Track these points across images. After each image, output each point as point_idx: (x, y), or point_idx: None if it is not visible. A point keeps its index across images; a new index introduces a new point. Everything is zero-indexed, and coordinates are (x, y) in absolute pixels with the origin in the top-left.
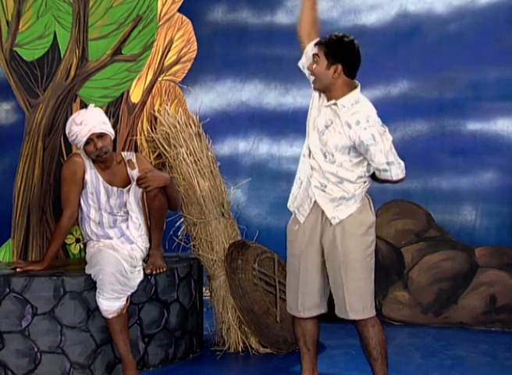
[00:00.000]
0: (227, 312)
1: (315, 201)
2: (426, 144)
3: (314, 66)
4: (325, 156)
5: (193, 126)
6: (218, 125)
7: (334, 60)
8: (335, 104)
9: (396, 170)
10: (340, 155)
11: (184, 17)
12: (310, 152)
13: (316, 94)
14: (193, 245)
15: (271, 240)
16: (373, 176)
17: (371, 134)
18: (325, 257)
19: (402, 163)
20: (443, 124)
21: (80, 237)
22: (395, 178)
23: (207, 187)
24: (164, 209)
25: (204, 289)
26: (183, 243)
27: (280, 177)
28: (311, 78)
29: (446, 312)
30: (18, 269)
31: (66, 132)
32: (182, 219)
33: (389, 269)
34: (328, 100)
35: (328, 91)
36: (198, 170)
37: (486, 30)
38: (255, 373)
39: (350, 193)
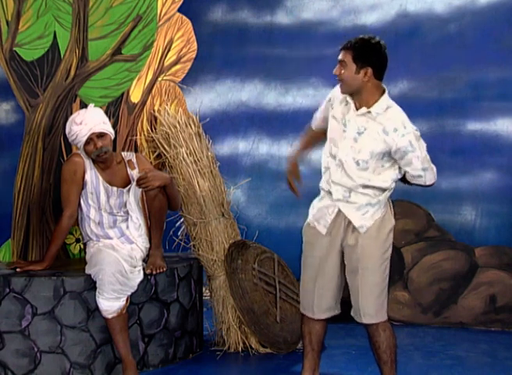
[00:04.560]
0: (227, 312)
1: (338, 211)
2: (426, 144)
3: (342, 71)
4: (358, 164)
5: (193, 126)
6: (218, 125)
7: (363, 64)
8: (369, 112)
9: (430, 176)
10: (374, 162)
11: (184, 17)
12: (327, 168)
13: (334, 104)
14: (193, 245)
15: (271, 240)
16: (403, 179)
17: (408, 141)
18: (345, 260)
19: (434, 168)
20: (443, 124)
21: (80, 237)
22: (428, 183)
23: (207, 187)
24: (164, 209)
25: (204, 289)
26: (183, 243)
27: (280, 177)
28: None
29: (445, 312)
30: (18, 269)
31: (66, 132)
32: (182, 219)
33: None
34: (358, 106)
35: (357, 95)
36: (198, 170)
37: (486, 30)
38: (255, 373)
39: (376, 199)
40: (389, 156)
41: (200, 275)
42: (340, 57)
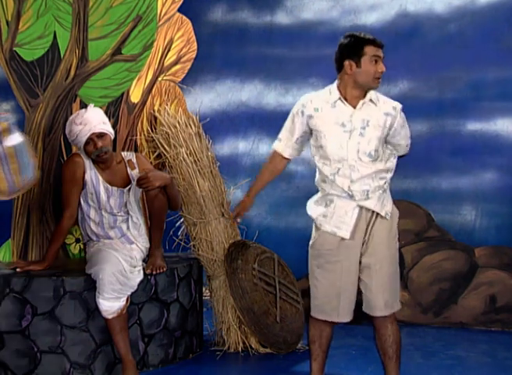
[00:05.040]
0: (227, 312)
1: (358, 212)
2: (426, 144)
3: (384, 67)
4: (371, 156)
5: (193, 127)
6: (218, 125)
7: None
8: (370, 100)
9: (409, 143)
10: (381, 148)
11: (184, 17)
12: (335, 173)
13: (318, 113)
14: (193, 245)
15: (271, 240)
16: None
17: (403, 116)
18: (362, 252)
19: None
20: (443, 124)
21: (80, 237)
22: (408, 151)
23: (207, 187)
24: (164, 209)
25: (203, 289)
26: (183, 243)
27: (280, 177)
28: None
29: (445, 312)
30: (18, 269)
31: (66, 132)
32: (182, 219)
33: None
34: (356, 102)
35: (368, 89)
36: (198, 170)
37: (486, 29)
38: (255, 373)
39: (385, 181)
40: (385, 140)
41: (200, 275)
42: (381, 54)
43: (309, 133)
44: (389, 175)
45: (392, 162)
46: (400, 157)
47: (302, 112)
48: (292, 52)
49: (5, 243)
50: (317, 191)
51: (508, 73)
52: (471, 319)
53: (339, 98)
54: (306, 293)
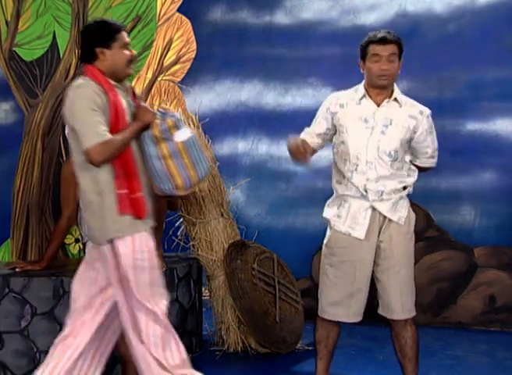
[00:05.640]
0: (226, 312)
1: (371, 212)
2: None
3: (393, 64)
4: (390, 155)
5: (192, 126)
6: (217, 125)
7: (400, 57)
8: (395, 99)
9: (436, 156)
10: (402, 150)
11: (183, 17)
12: (353, 170)
13: (342, 110)
14: (193, 245)
15: (270, 240)
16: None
17: (431, 122)
18: (378, 259)
19: None
20: (443, 124)
21: (80, 237)
22: (435, 164)
23: (206, 187)
24: (163, 209)
25: (203, 289)
26: (182, 243)
27: (279, 177)
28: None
29: (445, 312)
30: (17, 269)
31: (66, 132)
32: (181, 219)
33: None
34: (380, 99)
35: (389, 87)
36: None
37: (485, 29)
38: (254, 373)
39: (405, 191)
40: (409, 145)
41: (200, 275)
42: (390, 51)
43: (333, 130)
44: (410, 180)
45: (413, 176)
46: (422, 169)
47: (328, 109)
48: (291, 52)
49: (5, 243)
50: (316, 192)
51: (507, 73)
52: (470, 319)
53: (364, 95)
54: (305, 293)
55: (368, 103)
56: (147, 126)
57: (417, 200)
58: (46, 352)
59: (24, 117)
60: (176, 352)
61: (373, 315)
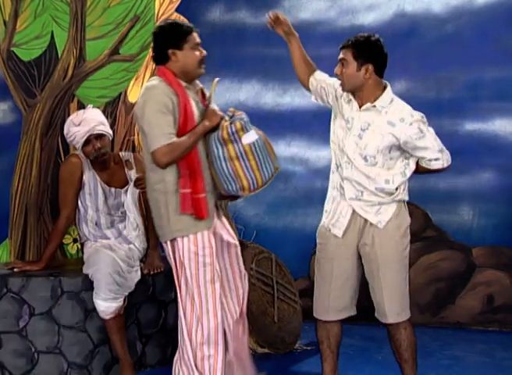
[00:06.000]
0: None
1: (353, 212)
2: None
3: (344, 69)
4: (366, 160)
5: None
6: None
7: (364, 60)
8: (374, 106)
9: (446, 156)
10: (382, 156)
11: (182, 17)
12: (338, 165)
13: (339, 103)
14: None
15: (268, 240)
16: (417, 170)
17: (417, 128)
18: (363, 260)
19: (446, 150)
20: (441, 124)
21: (78, 237)
22: (446, 165)
23: None
24: None
25: None
26: None
27: (278, 177)
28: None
29: (443, 312)
30: (15, 269)
31: (65, 133)
32: None
33: None
34: (360, 103)
35: (359, 92)
36: None
37: (484, 30)
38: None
39: (387, 198)
40: (397, 149)
41: None
42: (341, 56)
43: (324, 95)
44: (390, 187)
45: (403, 175)
46: (434, 171)
47: (335, 88)
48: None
49: (3, 243)
50: (314, 192)
51: (506, 73)
52: (468, 319)
53: (354, 96)
54: (303, 293)
55: (354, 104)
56: (214, 128)
57: (416, 200)
58: (44, 352)
59: (22, 117)
60: None
61: (371, 315)
